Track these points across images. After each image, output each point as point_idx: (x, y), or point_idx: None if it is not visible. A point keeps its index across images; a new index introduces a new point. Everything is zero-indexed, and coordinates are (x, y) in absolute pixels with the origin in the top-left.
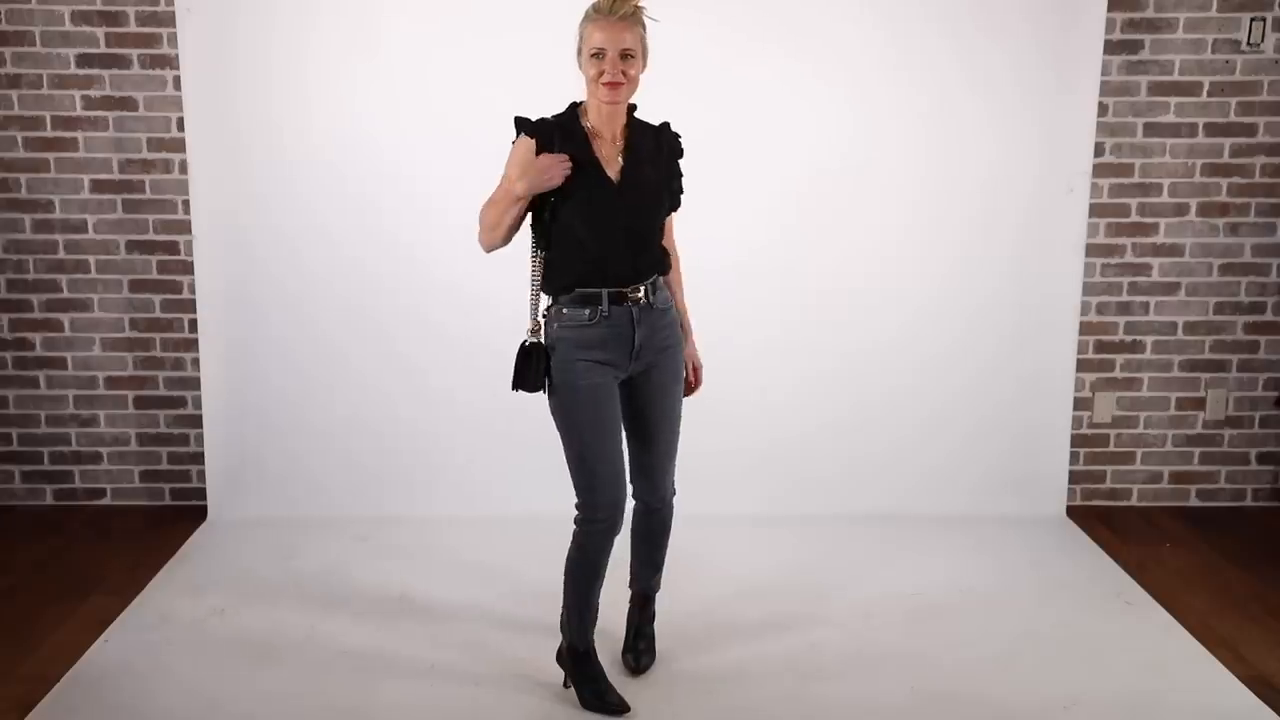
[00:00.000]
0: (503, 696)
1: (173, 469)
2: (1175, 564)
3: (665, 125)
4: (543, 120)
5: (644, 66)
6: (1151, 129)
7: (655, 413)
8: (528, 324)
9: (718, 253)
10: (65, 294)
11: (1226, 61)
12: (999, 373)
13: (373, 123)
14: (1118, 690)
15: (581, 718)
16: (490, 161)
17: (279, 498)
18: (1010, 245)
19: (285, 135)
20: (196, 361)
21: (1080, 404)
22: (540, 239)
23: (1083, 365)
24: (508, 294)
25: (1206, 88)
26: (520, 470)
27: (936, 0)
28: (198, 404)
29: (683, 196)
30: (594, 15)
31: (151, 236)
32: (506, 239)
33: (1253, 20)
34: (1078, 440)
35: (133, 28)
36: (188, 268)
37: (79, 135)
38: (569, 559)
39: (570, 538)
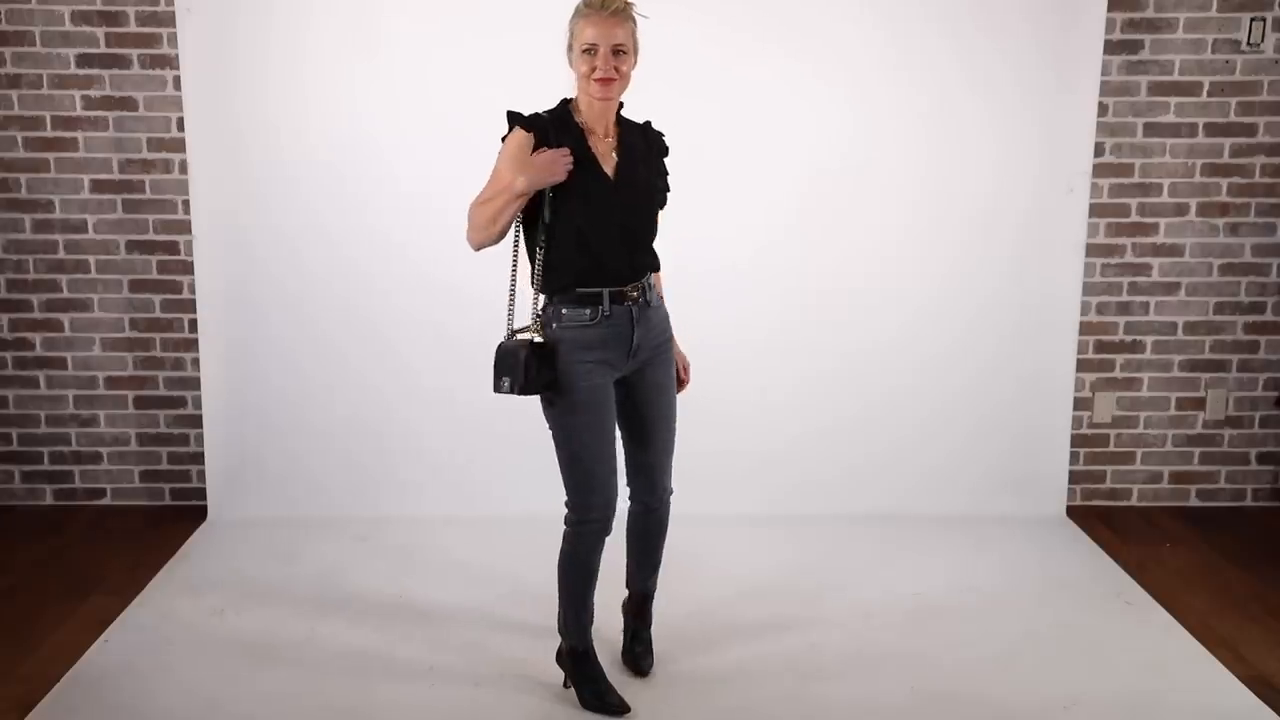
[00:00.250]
0: (503, 696)
1: (173, 469)
2: (1175, 564)
3: (648, 124)
4: (537, 115)
5: (635, 62)
6: (1151, 129)
7: (652, 411)
8: (517, 323)
9: (718, 253)
10: (65, 294)
11: (1226, 61)
12: (999, 373)
13: (372, 123)
14: (1118, 690)
15: (581, 718)
16: (490, 162)
17: (279, 498)
18: (1010, 245)
19: (285, 135)
20: (196, 361)
21: (1080, 404)
22: (539, 237)
23: (1083, 365)
24: (507, 294)
25: (1206, 88)
26: (519, 471)
27: (938, 2)
28: (198, 404)
29: (669, 195)
30: (585, 11)
31: (151, 236)
32: (500, 237)
33: (1253, 20)
34: (1078, 440)
35: (133, 28)
36: (188, 268)
37: (79, 135)
38: (561, 561)
39: (561, 539)
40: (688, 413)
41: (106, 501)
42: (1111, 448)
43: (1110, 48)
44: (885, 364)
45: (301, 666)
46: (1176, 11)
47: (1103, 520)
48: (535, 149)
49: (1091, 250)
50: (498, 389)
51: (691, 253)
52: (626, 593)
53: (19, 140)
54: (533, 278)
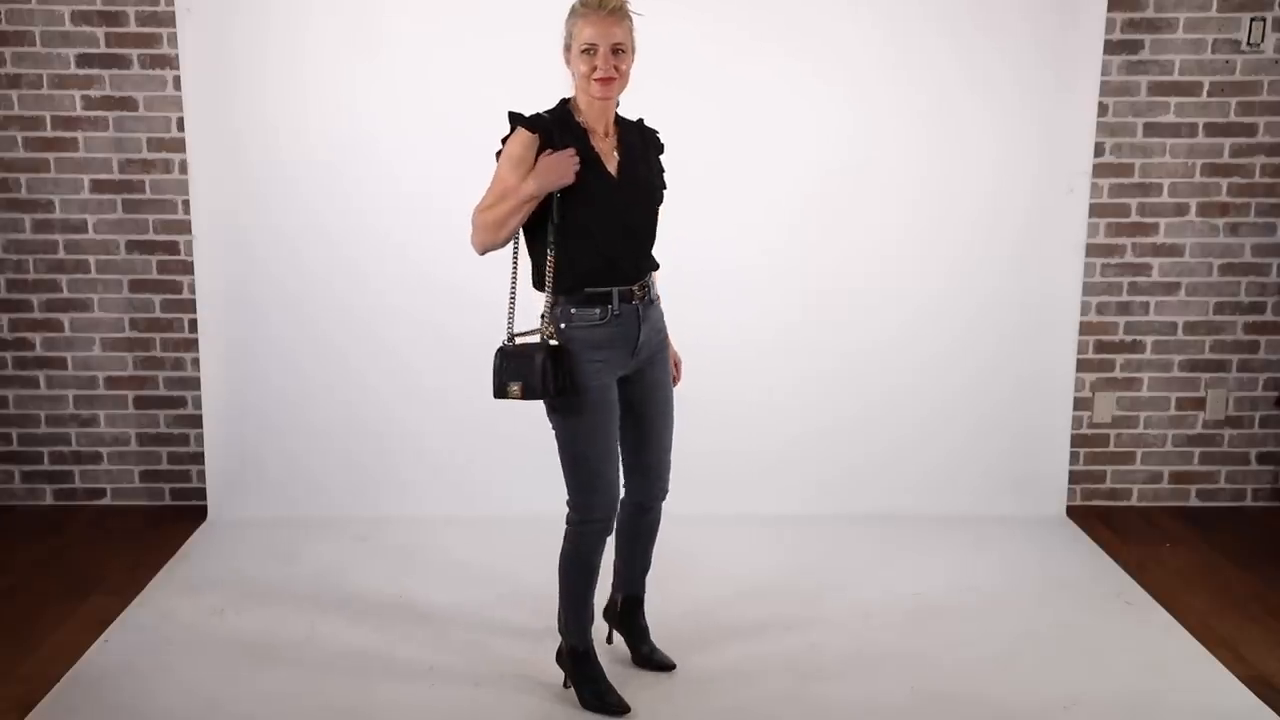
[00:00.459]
0: (503, 696)
1: (173, 469)
2: (1175, 564)
3: (641, 121)
4: (539, 115)
5: (633, 60)
6: (1151, 129)
7: (652, 410)
8: (527, 325)
9: (717, 253)
10: (65, 294)
11: (1226, 61)
12: (999, 373)
13: (373, 123)
14: (1118, 690)
15: (581, 718)
16: (491, 162)
17: (279, 498)
18: (1010, 245)
19: (285, 135)
20: (196, 361)
21: (1080, 404)
22: (547, 239)
23: (1083, 365)
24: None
25: (1206, 88)
26: (519, 471)
27: (938, 2)
28: (198, 404)
29: (665, 192)
30: (582, 11)
31: (151, 236)
32: (507, 240)
33: (1253, 20)
34: (1078, 440)
35: (133, 28)
36: (188, 268)
37: (79, 135)
38: (563, 562)
39: (562, 539)
40: (688, 413)
41: (106, 501)
42: (1111, 448)
43: (1110, 48)
44: (885, 364)
45: (301, 666)
46: (1176, 11)
47: (1103, 520)
48: (540, 150)
49: (1091, 250)
50: (504, 395)
51: (690, 253)
52: (609, 600)
53: (19, 140)
54: (539, 279)
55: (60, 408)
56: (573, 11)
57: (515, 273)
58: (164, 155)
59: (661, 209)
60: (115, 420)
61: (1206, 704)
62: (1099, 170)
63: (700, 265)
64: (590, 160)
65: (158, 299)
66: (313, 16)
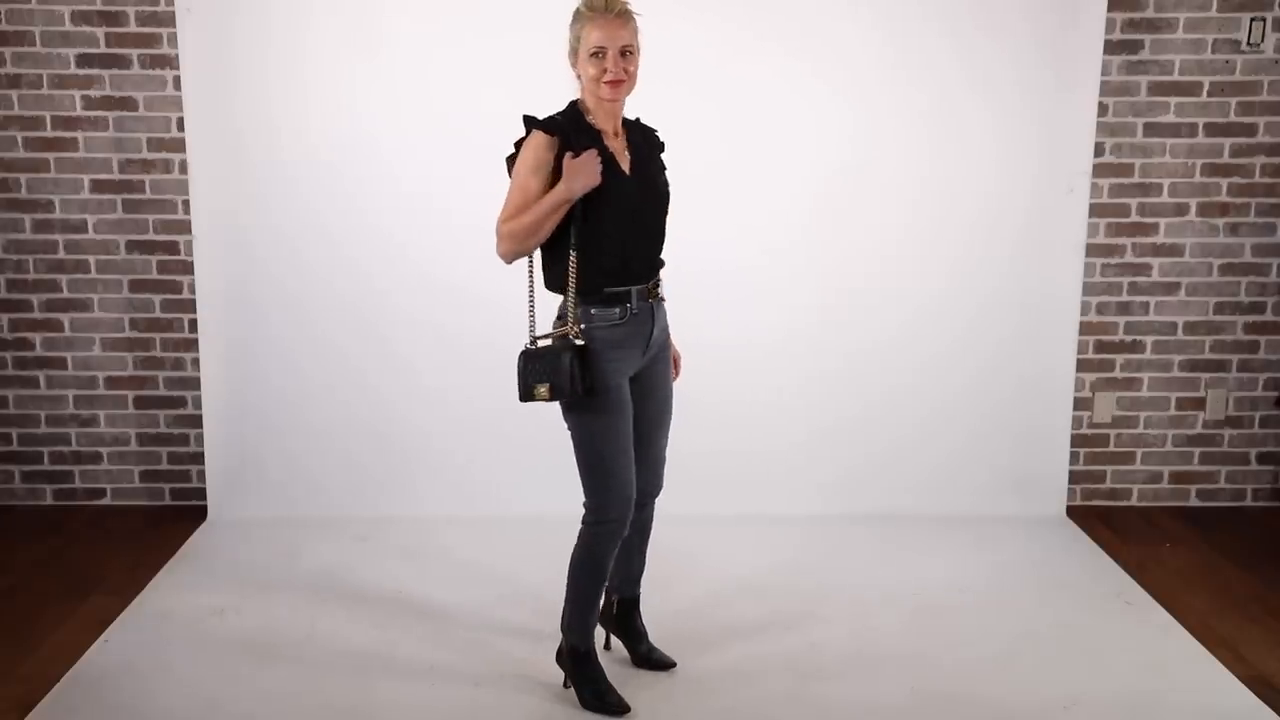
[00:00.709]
0: (503, 696)
1: (173, 469)
2: (1175, 564)
3: (639, 120)
4: (555, 118)
5: (639, 62)
6: (1151, 129)
7: (654, 407)
8: (547, 328)
9: (718, 254)
10: (65, 294)
11: (1226, 61)
12: (999, 373)
13: (373, 123)
14: (1118, 690)
15: (581, 718)
16: (491, 162)
17: (279, 498)
18: (1010, 245)
19: (285, 135)
20: (196, 361)
21: (1080, 404)
22: (569, 240)
23: (1083, 365)
24: (508, 294)
25: (1206, 88)
26: (520, 471)
27: (938, 3)
28: (198, 404)
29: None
30: (589, 15)
31: (151, 236)
32: (537, 246)
33: (1253, 20)
34: (1078, 440)
35: (133, 28)
36: (188, 268)
37: (79, 135)
38: (576, 560)
39: (576, 538)
40: (689, 413)
41: (106, 501)
42: (1111, 448)
43: (1110, 48)
44: (886, 364)
45: (301, 666)
46: (1176, 11)
47: (1103, 520)
48: (559, 153)
49: (1091, 250)
50: (531, 398)
51: (691, 253)
52: (604, 603)
53: (19, 140)
54: (557, 281)
55: (60, 408)
56: (578, 16)
57: (531, 275)
58: (164, 155)
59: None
60: (115, 420)
61: (1206, 704)
62: (1099, 170)
63: (701, 265)
64: (607, 161)
65: (158, 299)
66: (313, 16)
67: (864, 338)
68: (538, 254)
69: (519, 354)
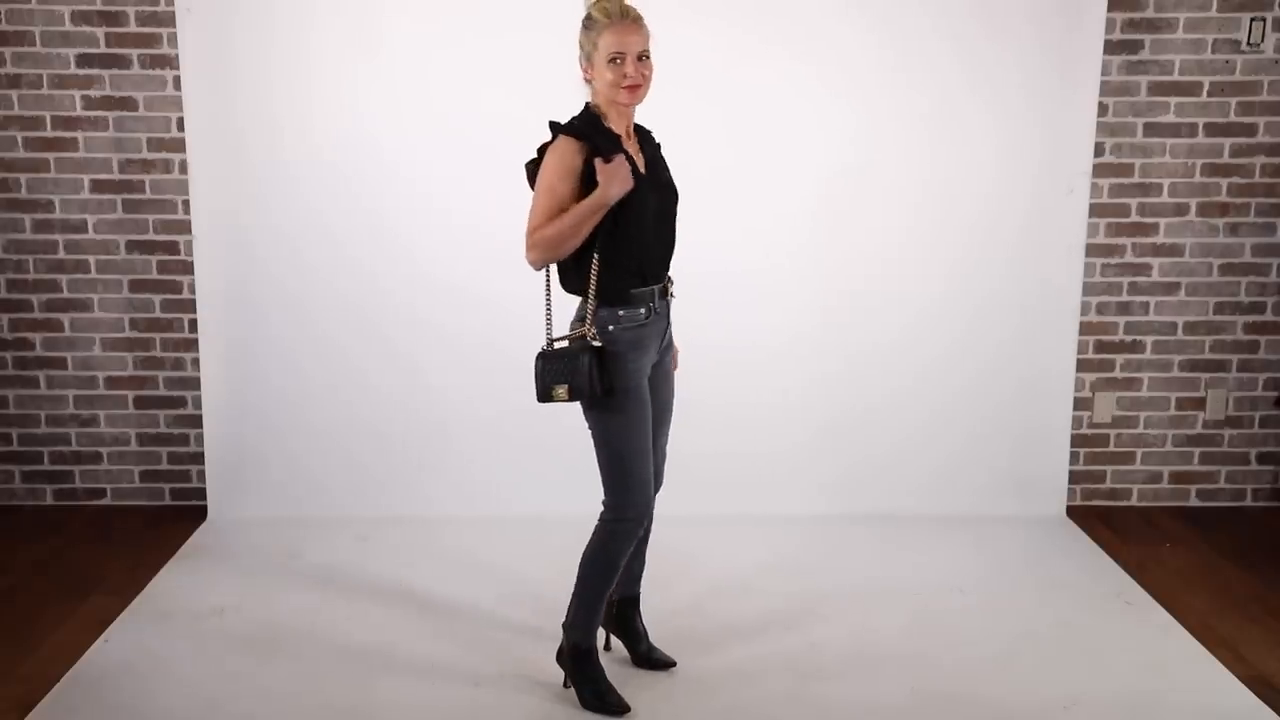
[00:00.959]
0: (503, 696)
1: (173, 469)
2: (1175, 564)
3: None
4: (579, 124)
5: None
6: (1151, 129)
7: (660, 403)
8: (563, 329)
9: (719, 255)
10: (65, 294)
11: (1226, 61)
12: (999, 373)
13: (373, 122)
14: (1118, 690)
15: (582, 718)
16: (491, 161)
17: (279, 498)
18: (1011, 246)
19: (285, 135)
20: (196, 361)
21: (1080, 404)
22: (595, 244)
23: (1083, 365)
24: (508, 294)
25: (1206, 88)
26: (521, 470)
27: (937, 2)
28: (198, 404)
29: None
30: (605, 21)
31: (151, 236)
32: (570, 252)
33: (1253, 20)
34: (1078, 440)
35: (133, 28)
36: (188, 268)
37: (79, 135)
38: (591, 557)
39: (591, 534)
40: (690, 414)
41: (106, 501)
42: (1111, 448)
43: (1110, 48)
44: (886, 364)
45: (301, 666)
46: (1176, 11)
47: (1103, 520)
48: (587, 158)
49: (1091, 250)
50: (549, 398)
51: (693, 255)
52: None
53: (19, 140)
54: (577, 283)
55: (60, 408)
56: (592, 23)
57: (549, 278)
58: (164, 155)
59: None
60: (115, 420)
61: (1206, 704)
62: (1099, 170)
63: (702, 267)
64: (630, 165)
65: (158, 299)
66: (313, 16)
67: (865, 338)
68: None
69: (536, 355)
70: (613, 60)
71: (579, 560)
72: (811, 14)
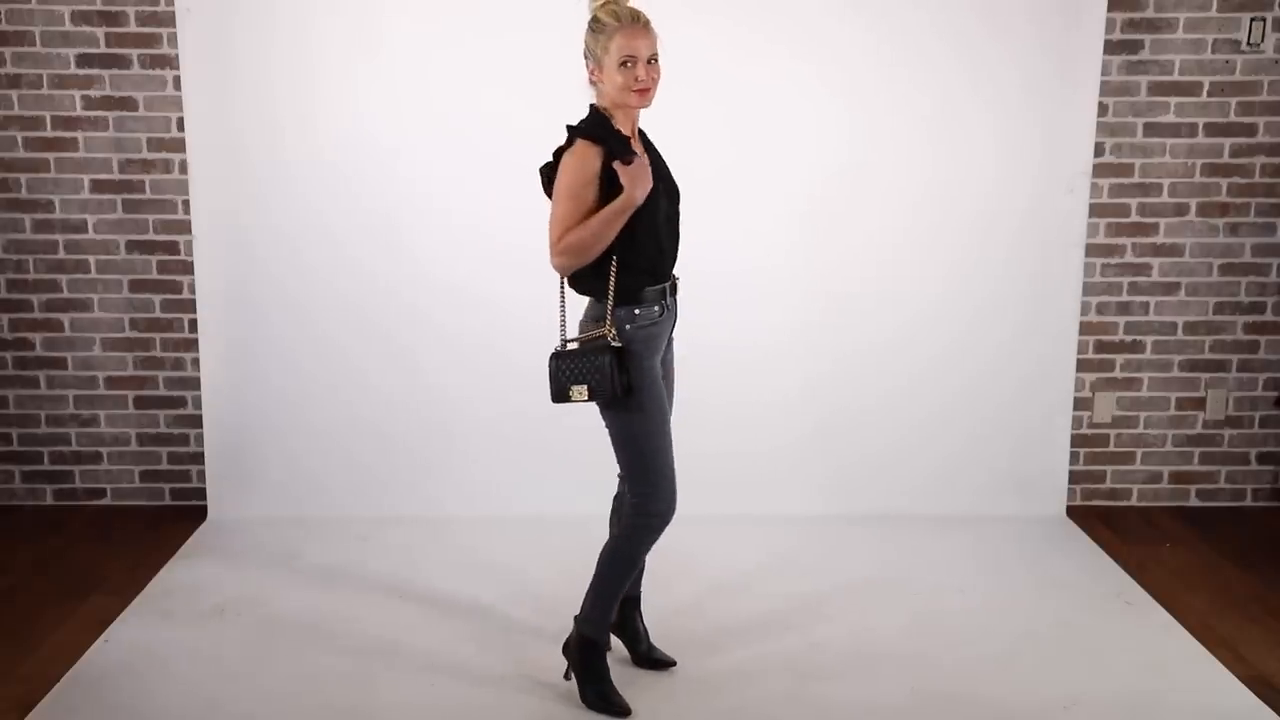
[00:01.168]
0: (503, 696)
1: (173, 469)
2: (1175, 564)
3: None
4: (595, 127)
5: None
6: (1151, 129)
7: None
8: (572, 330)
9: (720, 255)
10: (65, 294)
11: (1226, 61)
12: (999, 373)
13: (373, 123)
14: (1118, 690)
15: (582, 718)
16: (491, 161)
17: (279, 498)
18: (1010, 245)
19: (285, 135)
20: (196, 361)
21: (1080, 404)
22: (614, 245)
23: (1083, 365)
24: (508, 294)
25: (1206, 88)
26: (521, 470)
27: (937, 2)
28: (198, 404)
29: None
30: (616, 25)
31: (151, 236)
32: (597, 256)
33: (1253, 20)
34: (1078, 440)
35: (133, 28)
36: (188, 268)
37: (79, 135)
38: (615, 552)
39: (589, 535)
40: (690, 414)
41: (106, 501)
42: (1111, 448)
43: (1110, 48)
44: (886, 364)
45: (301, 666)
46: (1176, 11)
47: (1103, 520)
48: (605, 162)
49: (1091, 250)
50: (566, 399)
51: (692, 254)
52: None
53: (19, 140)
54: (600, 285)
55: (60, 408)
56: (601, 27)
57: (561, 278)
58: (164, 155)
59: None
60: (115, 420)
61: (1206, 704)
62: (1099, 170)
63: (702, 267)
64: None
65: (158, 299)
66: (313, 16)
67: (866, 337)
68: None
69: (550, 356)
70: (624, 64)
71: (598, 555)
72: (810, 13)
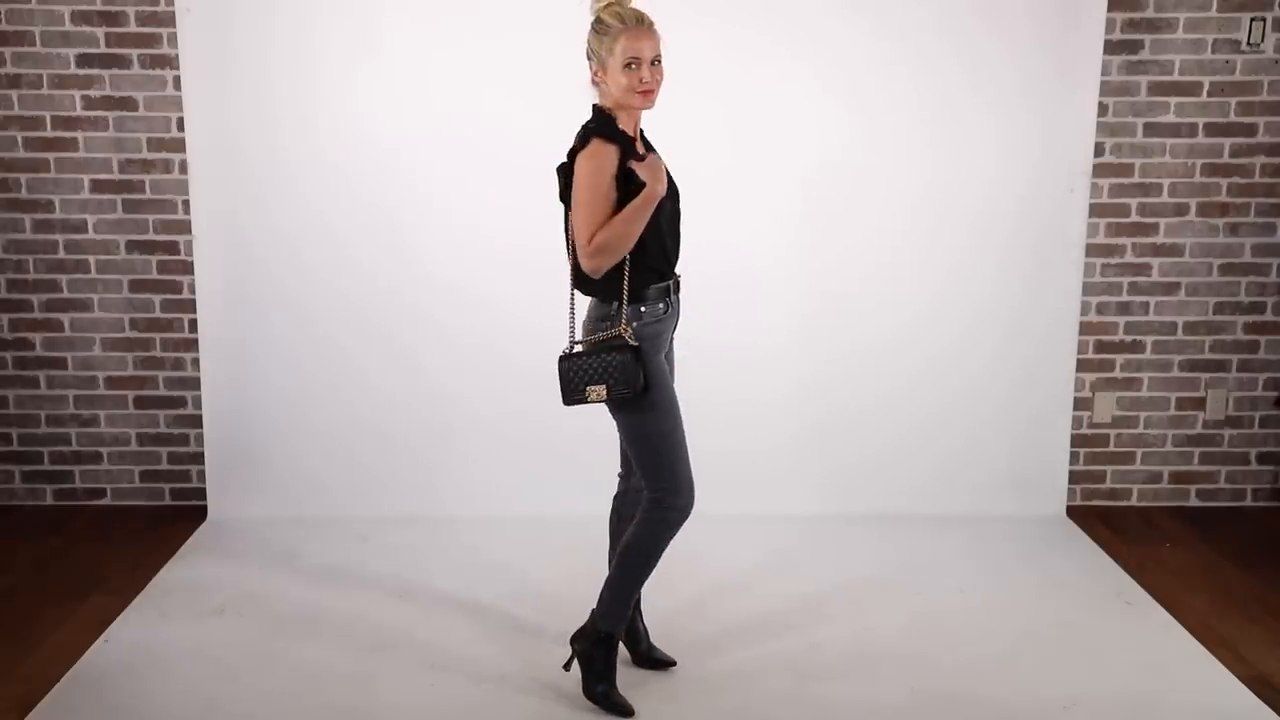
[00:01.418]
0: (503, 696)
1: (173, 469)
2: (1175, 564)
3: None
4: (606, 127)
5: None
6: (1151, 129)
7: None
8: (609, 331)
9: (720, 254)
10: (65, 294)
11: (1226, 61)
12: (999, 373)
13: (373, 122)
14: (1118, 690)
15: (582, 718)
16: (491, 161)
17: (279, 498)
18: (1010, 245)
19: (285, 135)
20: (196, 361)
21: (1080, 404)
22: None
23: (1083, 365)
24: (508, 294)
25: (1206, 88)
26: (522, 470)
27: (937, 2)
28: (198, 404)
29: None
30: (620, 27)
31: (151, 236)
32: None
33: (1253, 20)
34: (1078, 440)
35: (133, 28)
36: (188, 268)
37: (79, 135)
38: (636, 545)
39: (634, 524)
40: (689, 412)
41: (106, 501)
42: (1111, 448)
43: (1110, 48)
44: (886, 364)
45: (301, 666)
46: (1176, 11)
47: (1103, 520)
48: (622, 160)
49: (1091, 250)
50: (582, 399)
51: (693, 255)
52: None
53: (19, 140)
54: (613, 285)
55: (60, 408)
56: (605, 28)
57: (573, 281)
58: (164, 155)
59: None
60: (115, 420)
61: (1206, 704)
62: (1099, 170)
63: (702, 267)
64: None
65: (158, 299)
66: (313, 16)
67: (866, 337)
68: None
69: (560, 358)
70: (628, 65)
71: (598, 555)
72: (809, 13)
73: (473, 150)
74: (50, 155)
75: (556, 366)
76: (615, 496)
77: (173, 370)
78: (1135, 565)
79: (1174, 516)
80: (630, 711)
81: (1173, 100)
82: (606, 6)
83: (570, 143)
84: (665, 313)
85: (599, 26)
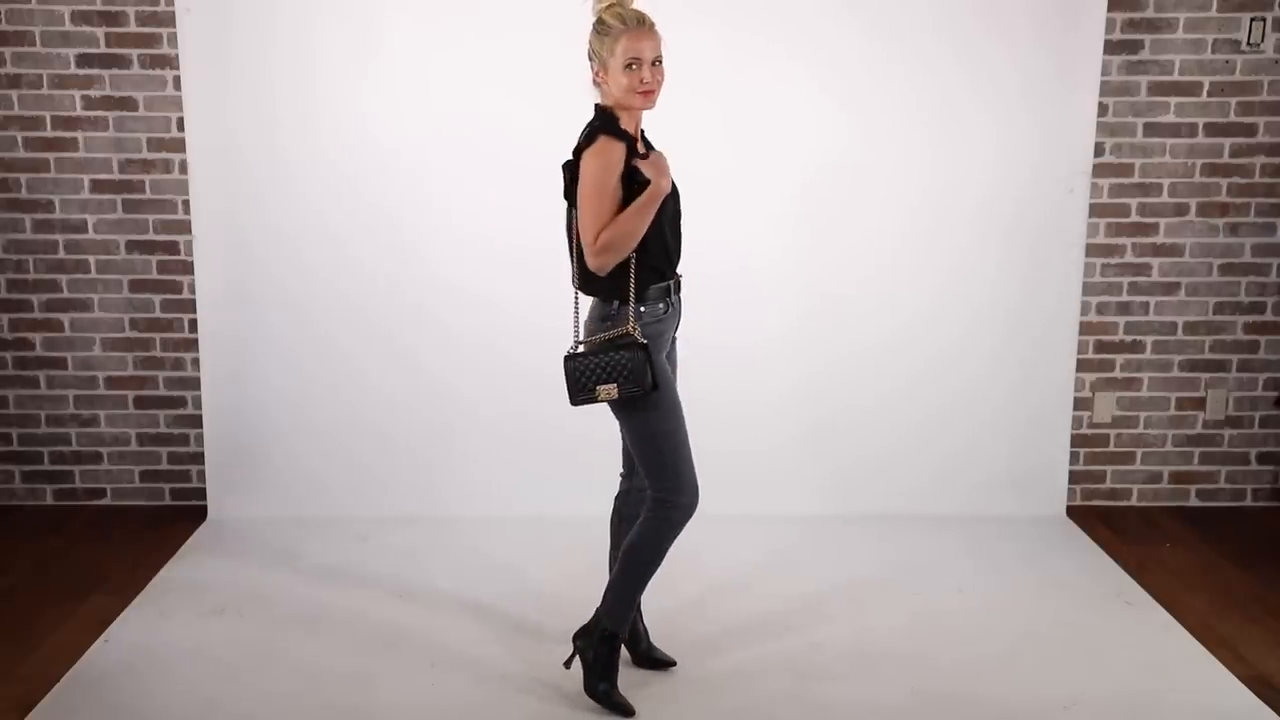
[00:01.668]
0: (503, 696)
1: (173, 469)
2: (1175, 564)
3: None
4: (612, 125)
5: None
6: (1151, 129)
7: None
8: (615, 329)
9: (719, 254)
10: (65, 294)
11: (1226, 61)
12: (999, 373)
13: (373, 122)
14: (1118, 690)
15: (583, 718)
16: (491, 161)
17: (279, 497)
18: (1010, 245)
19: (285, 135)
20: (196, 361)
21: (1080, 404)
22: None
23: (1083, 365)
24: (508, 294)
25: (1206, 88)
26: (522, 470)
27: (937, 2)
28: (198, 404)
29: None
30: (621, 28)
31: (151, 236)
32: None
33: (1253, 20)
34: (1078, 440)
35: (133, 28)
36: (188, 268)
37: (79, 135)
38: (643, 542)
39: (638, 523)
40: (689, 413)
41: (106, 501)
42: (1111, 448)
43: (1110, 48)
44: (886, 364)
45: (302, 666)
46: (1176, 11)
47: (1103, 520)
48: (628, 158)
49: (1091, 250)
50: (591, 398)
51: (692, 255)
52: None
53: (19, 140)
54: (618, 284)
55: (60, 408)
56: (607, 29)
57: (575, 281)
58: (164, 155)
59: None
60: (115, 420)
61: (1206, 704)
62: (1099, 170)
63: (702, 267)
64: None
65: (158, 299)
66: (313, 16)
67: (865, 337)
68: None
69: (565, 357)
70: (629, 66)
71: (598, 555)
72: (808, 14)
73: (473, 150)
74: (50, 155)
75: (562, 366)
76: (616, 497)
77: (173, 370)
78: (1135, 565)
79: (1174, 516)
80: (630, 711)
81: (1173, 100)
82: (608, 7)
83: (571, 142)
84: (666, 313)
85: (600, 27)
